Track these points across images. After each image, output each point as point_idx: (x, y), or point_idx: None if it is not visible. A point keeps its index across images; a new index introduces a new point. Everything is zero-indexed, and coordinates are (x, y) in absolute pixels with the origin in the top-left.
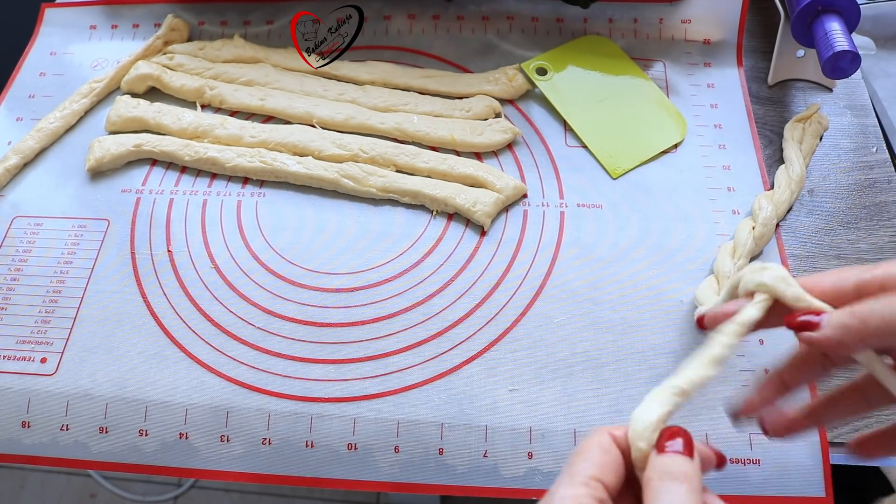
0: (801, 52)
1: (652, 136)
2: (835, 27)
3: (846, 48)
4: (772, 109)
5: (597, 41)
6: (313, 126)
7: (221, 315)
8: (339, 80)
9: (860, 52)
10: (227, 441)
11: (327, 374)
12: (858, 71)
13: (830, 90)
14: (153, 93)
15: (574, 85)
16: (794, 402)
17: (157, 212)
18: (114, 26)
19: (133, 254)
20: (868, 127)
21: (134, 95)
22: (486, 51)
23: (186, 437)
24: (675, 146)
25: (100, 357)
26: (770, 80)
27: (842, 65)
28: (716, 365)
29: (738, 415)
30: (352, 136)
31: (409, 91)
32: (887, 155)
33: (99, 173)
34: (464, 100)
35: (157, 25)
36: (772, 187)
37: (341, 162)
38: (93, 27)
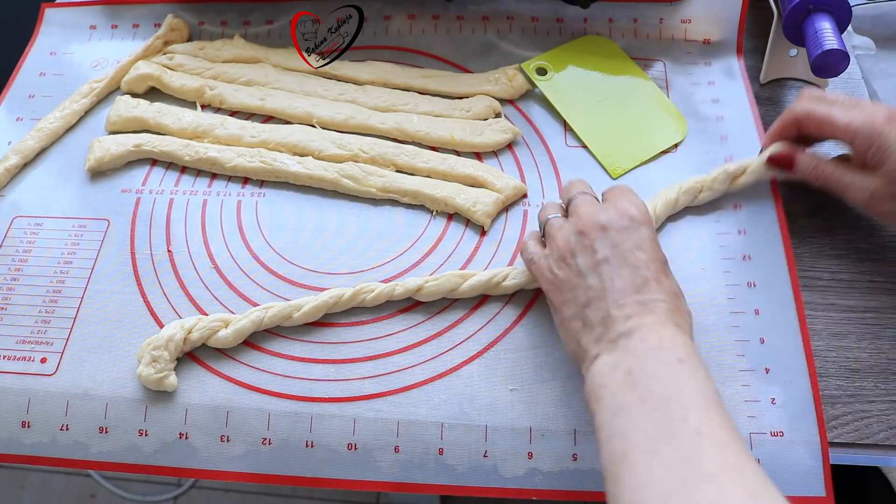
0: (793, 52)
1: (652, 135)
2: (825, 26)
3: (834, 47)
4: (772, 109)
5: (597, 41)
6: (313, 126)
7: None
8: (339, 80)
9: (860, 53)
10: (227, 441)
11: (327, 374)
12: (858, 71)
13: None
14: (153, 93)
15: (574, 85)
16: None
17: (157, 212)
18: (114, 26)
19: (133, 254)
20: None
21: (134, 95)
22: (486, 51)
23: (186, 437)
24: (676, 146)
25: (100, 357)
26: (762, 79)
27: (829, 63)
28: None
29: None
30: (352, 136)
31: (409, 91)
32: None
33: (99, 173)
34: (464, 100)
35: (157, 25)
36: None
37: (341, 162)
38: (93, 27)
